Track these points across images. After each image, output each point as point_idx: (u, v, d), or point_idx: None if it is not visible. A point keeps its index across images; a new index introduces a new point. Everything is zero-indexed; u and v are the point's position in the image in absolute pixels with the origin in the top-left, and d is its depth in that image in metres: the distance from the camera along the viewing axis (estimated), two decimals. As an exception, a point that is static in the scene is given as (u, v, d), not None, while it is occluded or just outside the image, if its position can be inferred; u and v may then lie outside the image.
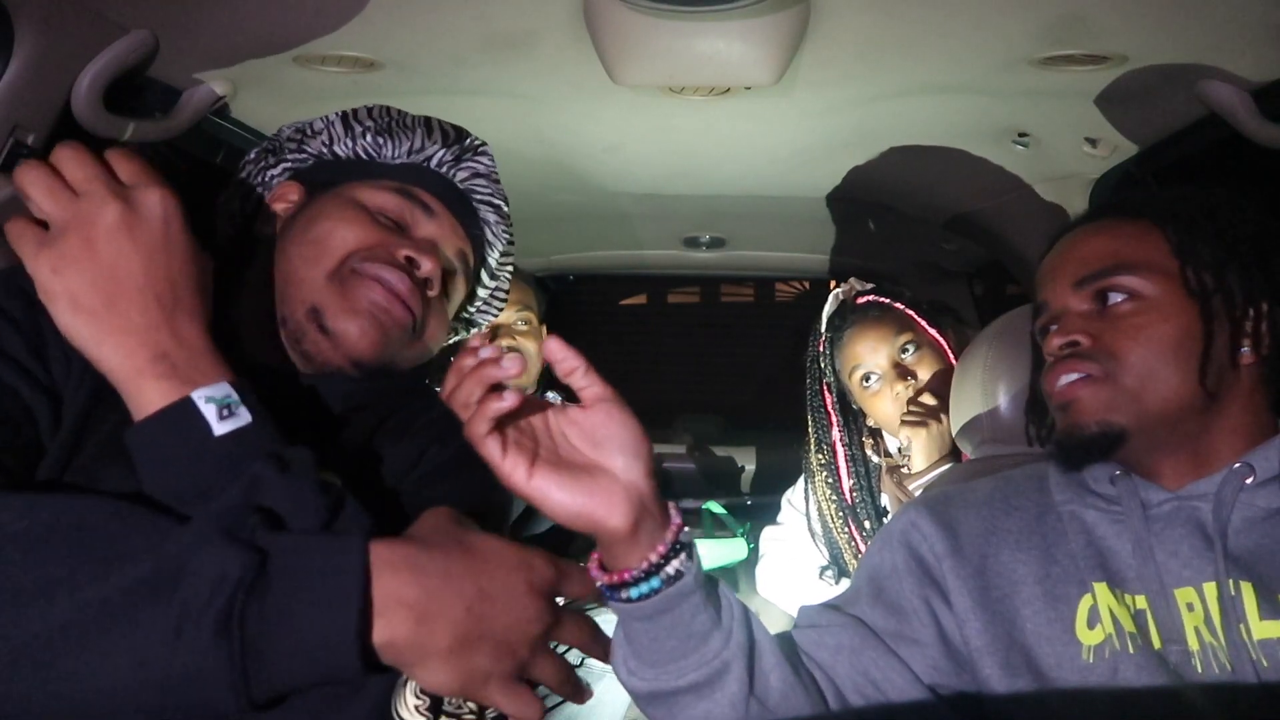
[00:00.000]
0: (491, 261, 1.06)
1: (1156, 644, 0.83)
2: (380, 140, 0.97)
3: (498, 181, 1.03)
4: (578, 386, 0.72)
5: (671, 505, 0.76)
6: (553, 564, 0.71)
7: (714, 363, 4.15)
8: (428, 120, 1.00)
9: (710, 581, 0.79)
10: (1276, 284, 0.88)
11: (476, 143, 1.02)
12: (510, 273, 1.11)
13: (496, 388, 0.68)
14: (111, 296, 0.67)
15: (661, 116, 1.47)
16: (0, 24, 0.96)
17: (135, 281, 0.68)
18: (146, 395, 0.67)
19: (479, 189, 1.01)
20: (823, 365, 1.73)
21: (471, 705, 0.75)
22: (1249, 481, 0.85)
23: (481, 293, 1.09)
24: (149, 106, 1.20)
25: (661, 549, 0.73)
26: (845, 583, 1.71)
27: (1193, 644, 0.82)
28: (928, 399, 1.57)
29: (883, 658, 0.90)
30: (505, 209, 1.03)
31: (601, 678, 1.48)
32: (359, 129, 0.97)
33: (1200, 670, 0.80)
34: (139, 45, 1.09)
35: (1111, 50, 1.14)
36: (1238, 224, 0.89)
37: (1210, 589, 0.82)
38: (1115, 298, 0.88)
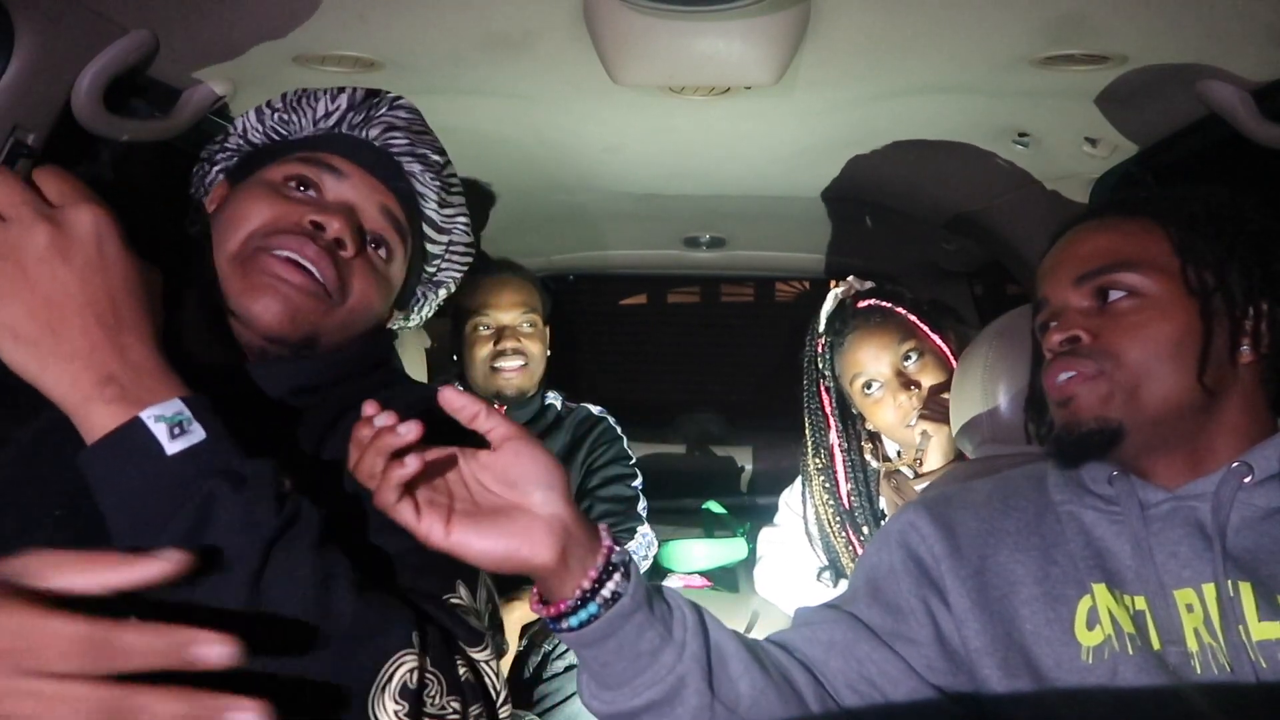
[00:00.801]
0: (431, 214, 1.01)
1: (1156, 645, 0.83)
2: (286, 117, 0.97)
3: (422, 132, 1.00)
4: (482, 430, 0.71)
5: (602, 527, 0.76)
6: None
7: (714, 363, 4.15)
8: (336, 90, 0.98)
9: (657, 595, 0.79)
10: (1277, 283, 0.88)
11: (391, 97, 0.99)
12: (464, 225, 1.06)
13: (400, 453, 0.67)
14: (50, 323, 0.64)
15: (661, 116, 1.47)
16: (0, 24, 0.96)
17: (74, 304, 0.65)
18: (96, 419, 0.65)
19: (395, 141, 0.97)
20: (821, 367, 1.72)
21: (455, 705, 0.75)
22: (1247, 481, 0.85)
23: (433, 249, 1.04)
24: (149, 106, 1.20)
25: (593, 574, 0.73)
26: (844, 584, 1.71)
27: (1192, 645, 0.82)
28: (945, 396, 1.56)
29: (876, 651, 0.90)
30: (434, 157, 0.99)
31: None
32: (268, 113, 0.97)
33: (1199, 671, 0.80)
34: (139, 45, 1.09)
35: (1111, 50, 1.14)
36: (1239, 223, 0.89)
37: (1209, 590, 0.82)
38: (1115, 295, 0.88)
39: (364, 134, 0.97)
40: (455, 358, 2.06)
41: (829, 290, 1.77)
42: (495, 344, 1.97)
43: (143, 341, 0.69)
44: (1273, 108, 1.16)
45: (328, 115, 0.96)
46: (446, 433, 0.73)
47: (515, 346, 1.97)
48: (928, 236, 2.13)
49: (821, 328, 1.72)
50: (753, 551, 2.01)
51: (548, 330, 2.08)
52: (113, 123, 1.12)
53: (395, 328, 1.09)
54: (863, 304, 1.69)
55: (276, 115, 0.97)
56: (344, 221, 0.88)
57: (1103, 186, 1.59)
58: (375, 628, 0.70)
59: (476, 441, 0.73)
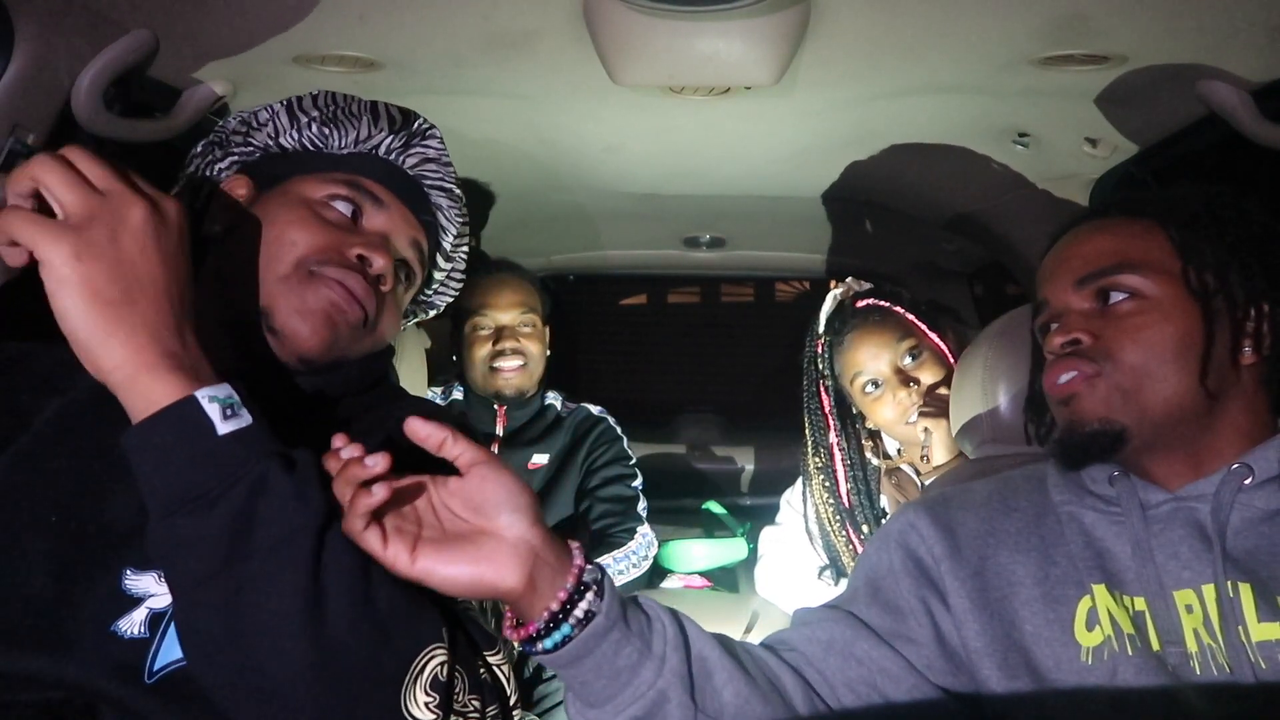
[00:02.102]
0: (446, 245, 1.04)
1: (1155, 646, 0.82)
2: (326, 130, 0.96)
3: (448, 165, 1.01)
4: (450, 456, 0.72)
5: (575, 546, 0.75)
6: None
7: (714, 363, 4.14)
8: (374, 106, 0.98)
9: (635, 609, 0.78)
10: (1278, 284, 0.87)
11: (425, 126, 1.00)
12: (465, 253, 1.10)
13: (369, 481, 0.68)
14: (129, 291, 0.67)
15: (661, 116, 1.47)
16: (0, 24, 0.96)
17: (155, 282, 0.69)
18: (152, 391, 0.66)
19: (429, 174, 0.99)
20: (820, 367, 1.72)
21: (475, 704, 0.76)
22: (1247, 482, 0.84)
23: (437, 275, 1.08)
24: (149, 106, 1.20)
25: (562, 595, 0.72)
26: (844, 583, 1.71)
27: (1191, 646, 0.81)
28: (942, 391, 1.56)
29: (875, 650, 0.89)
30: (457, 192, 1.02)
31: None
32: (304, 119, 0.96)
33: (1199, 672, 0.80)
34: (139, 45, 1.09)
35: (1111, 50, 1.14)
36: (1240, 224, 0.89)
37: (1209, 591, 0.82)
38: (1117, 296, 0.88)
39: (400, 160, 0.98)
40: (455, 358, 2.06)
41: (829, 291, 1.78)
42: (494, 344, 1.97)
43: (193, 332, 0.71)
44: (1273, 108, 1.16)
45: (370, 138, 0.96)
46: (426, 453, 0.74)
47: (514, 346, 1.97)
48: (927, 237, 2.13)
49: (821, 328, 1.73)
50: (753, 552, 2.01)
51: (547, 330, 2.08)
52: (113, 123, 1.12)
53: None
54: (861, 304, 1.71)
55: (315, 127, 0.96)
56: (387, 258, 0.90)
57: (1103, 187, 1.59)
58: (411, 618, 0.72)
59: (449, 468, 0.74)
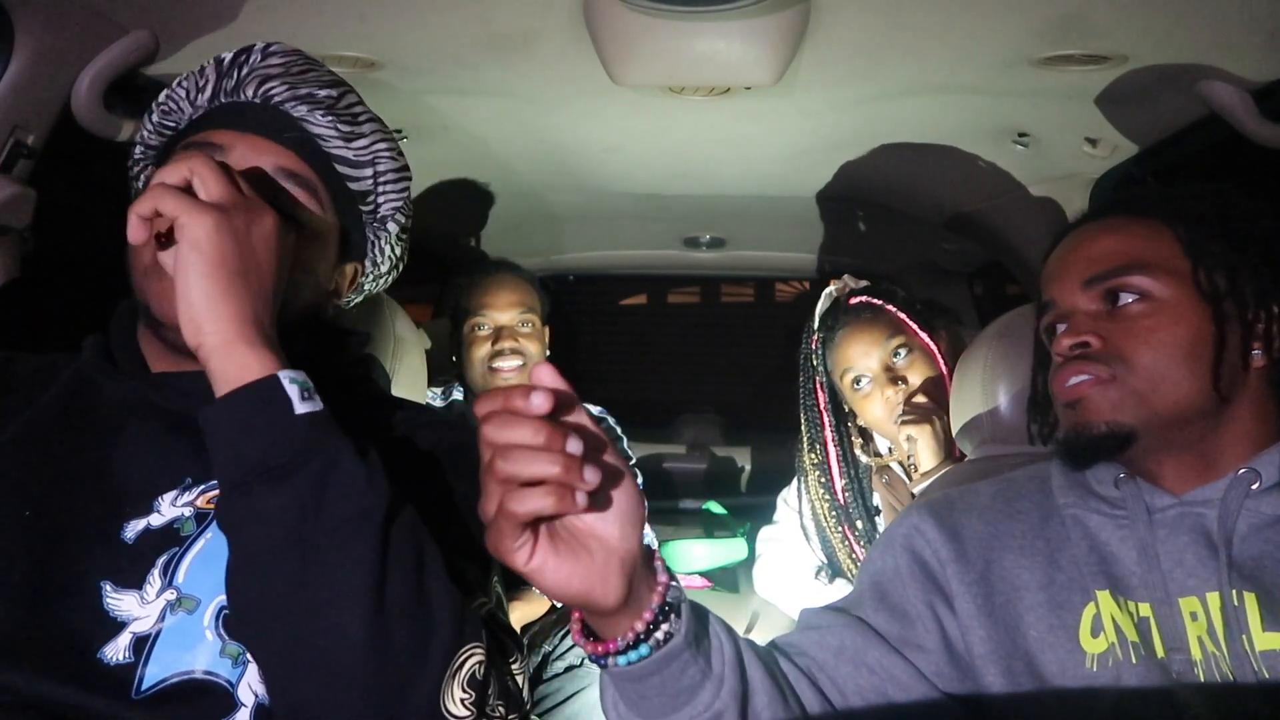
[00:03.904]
0: (339, 151, 0.93)
1: (1160, 653, 0.81)
2: (168, 108, 0.94)
3: (303, 71, 0.93)
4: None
5: (659, 560, 0.71)
6: None
7: (714, 363, 4.14)
8: (202, 67, 0.93)
9: (701, 628, 0.74)
10: None
11: (260, 48, 0.92)
12: (388, 151, 0.97)
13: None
14: (247, 274, 0.74)
15: (661, 116, 1.47)
16: (0, 24, 0.96)
17: (269, 276, 0.76)
18: (246, 360, 0.72)
19: (275, 92, 0.90)
20: (815, 364, 1.73)
21: (501, 709, 0.77)
22: (1255, 487, 0.83)
23: (359, 186, 0.95)
24: (149, 106, 1.20)
25: (648, 616, 0.68)
26: (840, 583, 1.72)
27: (1196, 654, 0.80)
28: (921, 399, 1.57)
29: (886, 658, 0.88)
30: (322, 94, 0.92)
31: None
32: (154, 111, 0.95)
33: (1203, 680, 0.79)
34: (139, 45, 1.09)
35: (1111, 50, 1.14)
36: (1250, 223, 0.87)
37: (1214, 599, 0.81)
38: (1126, 298, 0.86)
39: (241, 96, 0.92)
40: (454, 358, 2.06)
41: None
42: (493, 344, 1.97)
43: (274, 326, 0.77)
44: (1273, 108, 1.16)
45: (200, 91, 0.92)
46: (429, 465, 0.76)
47: (513, 346, 1.96)
48: (927, 237, 2.13)
49: (816, 325, 1.73)
50: (753, 551, 2.01)
51: (546, 330, 2.08)
52: (113, 123, 1.12)
53: (375, 288, 1.05)
54: (854, 301, 1.71)
55: (159, 110, 0.94)
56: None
57: (1103, 186, 1.59)
58: (457, 614, 0.73)
59: None
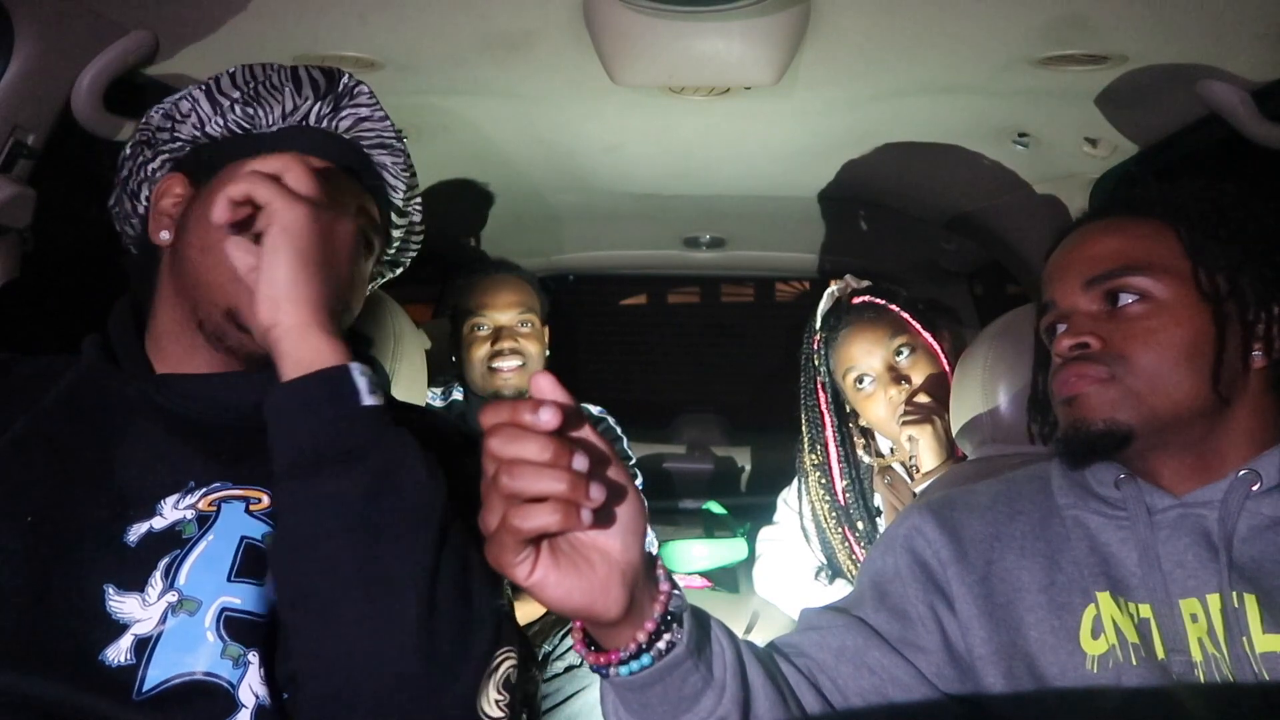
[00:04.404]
0: (398, 201, 1.00)
1: (1160, 654, 0.81)
2: (250, 110, 0.90)
3: (384, 118, 0.95)
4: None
5: (661, 569, 0.70)
6: None
7: (714, 363, 4.15)
8: (295, 73, 0.92)
9: (703, 635, 0.74)
10: None
11: (351, 84, 0.94)
12: (419, 205, 1.04)
13: None
14: (327, 267, 0.77)
15: (661, 116, 1.47)
16: (0, 24, 0.96)
17: (345, 275, 0.82)
18: (320, 346, 0.74)
19: (365, 135, 0.94)
20: (817, 364, 1.73)
21: (525, 716, 0.78)
22: (1255, 489, 0.83)
23: (395, 234, 1.04)
24: (149, 106, 1.20)
25: (650, 626, 0.68)
26: (840, 583, 1.72)
27: (1196, 655, 0.80)
28: (923, 398, 1.57)
29: (887, 658, 0.88)
30: (399, 146, 0.97)
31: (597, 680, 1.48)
32: (226, 103, 0.90)
33: (1203, 681, 0.79)
34: (139, 45, 1.09)
35: (1111, 50, 1.14)
36: (1251, 224, 0.87)
37: (1214, 600, 0.81)
38: (1126, 299, 0.86)
39: (334, 126, 0.93)
40: (454, 358, 2.06)
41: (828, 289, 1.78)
42: (493, 344, 1.97)
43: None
44: (1273, 108, 1.16)
45: (296, 109, 0.91)
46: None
47: (513, 346, 1.96)
48: (927, 236, 2.13)
49: (818, 324, 1.73)
50: (753, 552, 2.01)
51: (546, 330, 2.08)
52: (113, 123, 1.12)
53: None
54: (857, 300, 1.71)
55: (239, 109, 0.90)
56: None
57: (1103, 187, 1.59)
58: (497, 616, 0.75)
59: None
